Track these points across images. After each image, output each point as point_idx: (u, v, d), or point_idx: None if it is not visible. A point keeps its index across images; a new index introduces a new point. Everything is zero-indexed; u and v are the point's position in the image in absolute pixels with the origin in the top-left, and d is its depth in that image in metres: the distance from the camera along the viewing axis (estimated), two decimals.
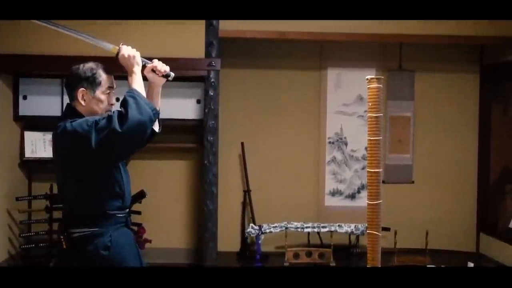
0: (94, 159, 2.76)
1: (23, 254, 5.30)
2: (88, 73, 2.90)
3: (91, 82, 2.89)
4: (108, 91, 2.94)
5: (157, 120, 2.96)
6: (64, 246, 2.84)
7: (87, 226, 2.83)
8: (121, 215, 2.94)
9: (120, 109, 2.73)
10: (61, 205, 3.04)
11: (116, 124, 2.67)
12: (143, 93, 2.88)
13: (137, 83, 2.89)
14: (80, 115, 2.87)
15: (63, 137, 2.80)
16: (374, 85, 2.70)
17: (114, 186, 2.91)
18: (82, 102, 2.89)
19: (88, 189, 2.85)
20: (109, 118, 2.71)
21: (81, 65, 2.93)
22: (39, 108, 5.32)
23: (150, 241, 5.34)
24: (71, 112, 2.91)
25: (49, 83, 5.32)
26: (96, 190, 2.86)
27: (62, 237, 2.85)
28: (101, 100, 2.91)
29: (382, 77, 2.74)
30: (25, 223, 5.31)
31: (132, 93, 2.80)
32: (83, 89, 2.88)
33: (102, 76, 2.92)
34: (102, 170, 2.85)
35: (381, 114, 2.70)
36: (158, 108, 2.94)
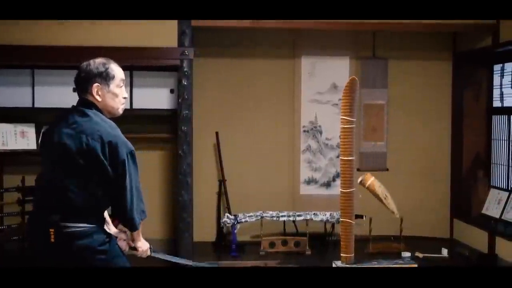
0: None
1: None
2: (101, 68, 2.91)
3: (105, 77, 2.91)
4: (122, 84, 2.98)
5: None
6: (52, 240, 2.78)
7: (85, 222, 2.81)
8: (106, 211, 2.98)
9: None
10: (41, 196, 2.95)
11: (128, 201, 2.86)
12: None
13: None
14: (98, 109, 2.91)
15: (99, 134, 2.80)
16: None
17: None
18: (98, 98, 2.91)
19: (97, 185, 2.84)
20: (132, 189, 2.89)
21: (91, 61, 2.95)
22: (9, 99, 5.19)
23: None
24: (88, 104, 2.91)
25: (19, 73, 5.20)
26: (104, 187, 2.85)
27: (52, 230, 2.78)
28: (116, 94, 2.95)
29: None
30: None
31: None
32: (97, 84, 2.90)
33: (114, 69, 2.95)
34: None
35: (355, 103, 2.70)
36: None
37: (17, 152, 5.25)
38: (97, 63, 2.93)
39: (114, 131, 2.86)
